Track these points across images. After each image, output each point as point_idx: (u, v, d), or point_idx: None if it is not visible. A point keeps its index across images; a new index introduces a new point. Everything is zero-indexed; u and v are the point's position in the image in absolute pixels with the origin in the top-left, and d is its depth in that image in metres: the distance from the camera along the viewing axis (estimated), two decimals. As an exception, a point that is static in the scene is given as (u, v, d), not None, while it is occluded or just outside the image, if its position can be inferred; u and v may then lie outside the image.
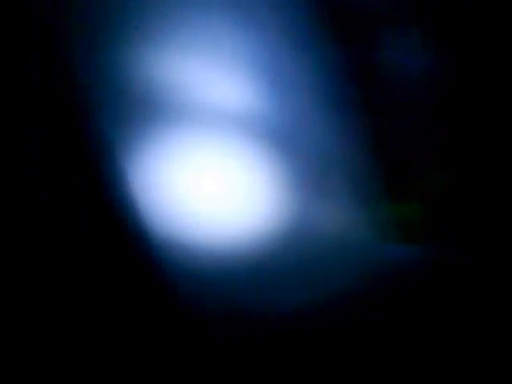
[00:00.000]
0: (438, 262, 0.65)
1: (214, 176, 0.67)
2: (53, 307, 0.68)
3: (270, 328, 0.65)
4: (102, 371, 0.67)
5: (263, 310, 0.66)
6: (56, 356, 0.67)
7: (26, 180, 0.69)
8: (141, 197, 0.66)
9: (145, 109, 0.66)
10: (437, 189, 0.67)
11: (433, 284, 0.65)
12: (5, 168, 0.69)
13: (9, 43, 0.68)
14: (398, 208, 0.66)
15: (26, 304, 0.68)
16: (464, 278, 0.65)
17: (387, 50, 0.65)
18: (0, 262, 0.68)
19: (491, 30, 0.66)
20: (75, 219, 0.69)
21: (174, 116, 0.67)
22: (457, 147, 0.67)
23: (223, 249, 0.67)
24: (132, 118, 0.66)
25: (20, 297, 0.68)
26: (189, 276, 0.65)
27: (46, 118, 0.64)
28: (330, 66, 0.64)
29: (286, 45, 0.64)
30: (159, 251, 0.65)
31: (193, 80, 0.65)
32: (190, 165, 0.67)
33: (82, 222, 0.69)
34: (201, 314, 0.64)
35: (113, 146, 0.65)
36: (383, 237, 0.64)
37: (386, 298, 0.64)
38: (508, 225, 0.69)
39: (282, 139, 0.64)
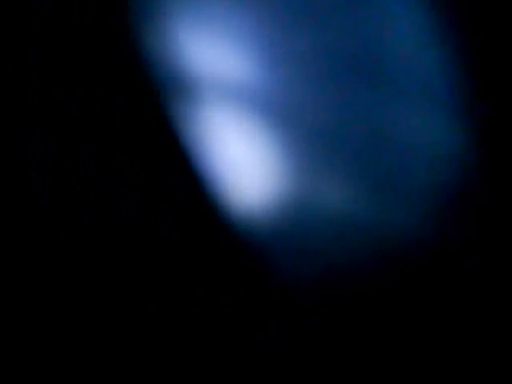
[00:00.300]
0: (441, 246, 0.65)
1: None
2: (55, 307, 0.69)
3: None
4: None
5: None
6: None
7: (26, 180, 0.69)
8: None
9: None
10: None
11: (433, 267, 0.66)
12: (5, 168, 0.69)
13: (10, 43, 0.68)
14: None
15: (26, 304, 0.68)
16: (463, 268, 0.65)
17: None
18: (0, 262, 0.68)
19: None
20: (76, 219, 0.69)
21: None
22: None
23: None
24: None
25: (20, 297, 0.68)
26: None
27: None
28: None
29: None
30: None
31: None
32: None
33: (83, 221, 0.69)
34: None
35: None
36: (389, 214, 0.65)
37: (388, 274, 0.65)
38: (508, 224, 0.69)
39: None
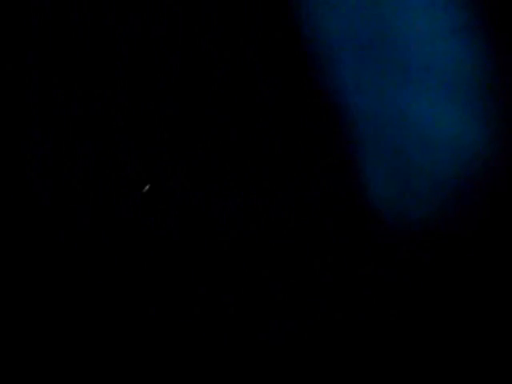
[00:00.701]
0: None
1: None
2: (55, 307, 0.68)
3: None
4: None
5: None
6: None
7: (26, 180, 0.69)
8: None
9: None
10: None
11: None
12: (5, 168, 0.69)
13: (9, 43, 0.68)
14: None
15: (26, 303, 0.68)
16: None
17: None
18: (0, 261, 0.68)
19: None
20: (76, 219, 0.69)
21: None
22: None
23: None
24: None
25: (20, 296, 0.68)
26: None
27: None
28: None
29: None
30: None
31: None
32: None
33: (83, 221, 0.69)
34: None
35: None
36: None
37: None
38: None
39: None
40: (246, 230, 0.69)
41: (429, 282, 0.66)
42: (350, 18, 0.67)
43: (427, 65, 0.66)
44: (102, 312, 0.68)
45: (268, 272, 0.69)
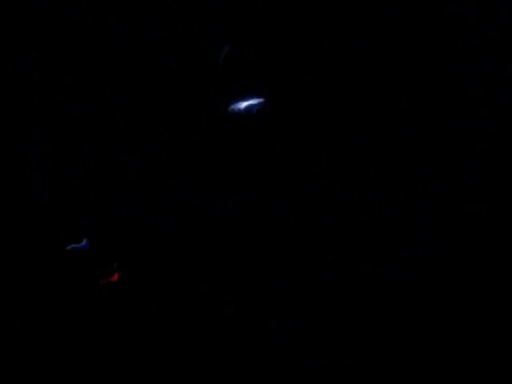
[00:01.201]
0: None
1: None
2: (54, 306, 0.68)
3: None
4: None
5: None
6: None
7: (26, 180, 0.68)
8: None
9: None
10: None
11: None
12: (5, 168, 0.68)
13: (11, 43, 0.68)
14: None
15: (26, 303, 0.68)
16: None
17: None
18: (0, 261, 0.68)
19: None
20: (76, 219, 0.69)
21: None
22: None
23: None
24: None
25: (20, 296, 0.68)
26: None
27: None
28: None
29: None
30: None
31: None
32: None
33: (83, 221, 0.69)
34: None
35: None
36: None
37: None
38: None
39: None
40: (247, 229, 0.70)
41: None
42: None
43: None
44: (102, 310, 0.68)
45: (268, 271, 0.69)
